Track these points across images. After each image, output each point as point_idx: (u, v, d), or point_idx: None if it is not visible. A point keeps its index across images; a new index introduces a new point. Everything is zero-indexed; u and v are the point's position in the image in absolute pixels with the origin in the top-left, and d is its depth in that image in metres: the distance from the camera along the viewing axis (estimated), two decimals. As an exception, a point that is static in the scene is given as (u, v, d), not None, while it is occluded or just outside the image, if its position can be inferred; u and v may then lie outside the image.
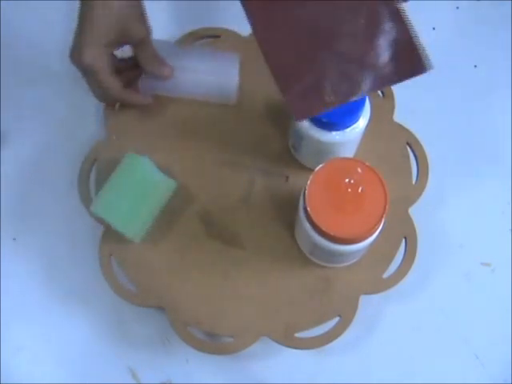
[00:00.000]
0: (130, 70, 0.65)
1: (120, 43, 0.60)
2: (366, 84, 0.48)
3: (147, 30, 0.60)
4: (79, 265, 0.66)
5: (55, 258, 0.67)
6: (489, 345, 0.64)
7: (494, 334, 0.64)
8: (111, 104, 0.67)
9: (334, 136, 0.58)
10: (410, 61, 0.48)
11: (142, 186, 0.61)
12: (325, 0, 0.48)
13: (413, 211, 0.65)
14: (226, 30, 0.72)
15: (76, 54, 0.57)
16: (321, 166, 0.55)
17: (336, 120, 0.56)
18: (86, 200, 0.65)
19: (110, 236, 0.63)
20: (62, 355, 0.64)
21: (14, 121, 0.72)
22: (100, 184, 0.65)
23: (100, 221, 0.63)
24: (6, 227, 0.68)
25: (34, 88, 0.73)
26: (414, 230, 0.64)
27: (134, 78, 0.65)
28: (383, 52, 0.48)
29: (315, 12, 0.48)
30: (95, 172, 0.67)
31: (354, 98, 0.49)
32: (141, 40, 0.60)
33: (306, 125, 0.58)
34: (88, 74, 0.59)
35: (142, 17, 0.59)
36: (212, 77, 0.66)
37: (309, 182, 0.54)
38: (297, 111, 0.50)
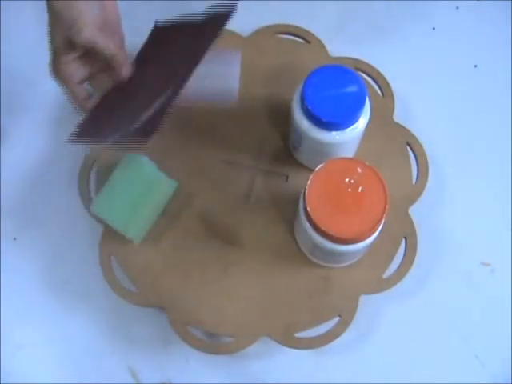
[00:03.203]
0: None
1: (73, 50, 0.58)
2: (111, 139, 0.55)
3: (93, 32, 0.57)
4: (79, 265, 0.66)
5: (55, 258, 0.67)
6: (489, 345, 0.64)
7: (493, 334, 0.64)
8: (81, 111, 0.64)
9: (334, 136, 0.58)
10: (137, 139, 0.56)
11: (142, 186, 0.61)
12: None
13: (413, 211, 0.65)
14: (226, 30, 0.72)
15: (49, 66, 0.59)
16: (321, 165, 0.55)
17: (336, 120, 0.56)
18: (86, 200, 0.65)
19: (110, 236, 0.63)
20: (62, 355, 0.64)
21: (14, 121, 0.72)
22: (100, 184, 0.65)
23: (100, 221, 0.63)
24: (6, 227, 0.68)
25: (34, 88, 0.73)
26: (414, 230, 0.64)
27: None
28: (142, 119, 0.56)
29: (140, 76, 0.60)
30: (95, 172, 0.67)
31: (104, 144, 0.56)
32: (85, 45, 0.57)
33: (306, 125, 0.58)
34: (60, 85, 0.60)
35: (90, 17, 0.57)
36: (212, 81, 0.66)
37: (309, 182, 0.54)
38: (78, 133, 0.59)
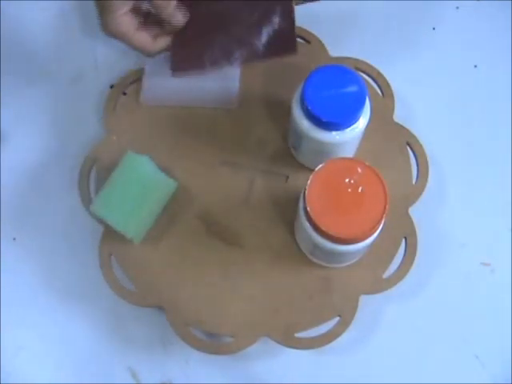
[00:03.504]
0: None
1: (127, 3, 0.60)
2: (238, 56, 0.63)
3: None
4: (79, 265, 0.66)
5: (55, 258, 0.67)
6: (489, 345, 0.64)
7: (493, 334, 0.64)
8: (153, 56, 0.66)
9: (334, 136, 0.58)
10: (283, 45, 0.62)
11: (142, 186, 0.61)
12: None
13: (413, 211, 0.65)
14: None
15: (101, 26, 0.61)
16: (321, 165, 0.55)
17: (336, 120, 0.56)
18: (86, 200, 0.65)
19: (110, 236, 0.63)
20: (62, 355, 0.64)
21: (14, 121, 0.72)
22: (100, 184, 0.65)
23: (100, 221, 0.63)
24: (6, 227, 0.68)
25: (34, 88, 0.73)
26: (414, 230, 0.64)
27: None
28: (264, 36, 0.62)
29: (222, 5, 0.63)
30: (95, 172, 0.67)
31: (224, 66, 0.63)
32: None
33: (306, 125, 0.58)
34: (118, 39, 0.62)
35: None
36: (212, 82, 0.67)
37: (309, 182, 0.54)
38: (177, 66, 0.65)
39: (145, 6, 0.62)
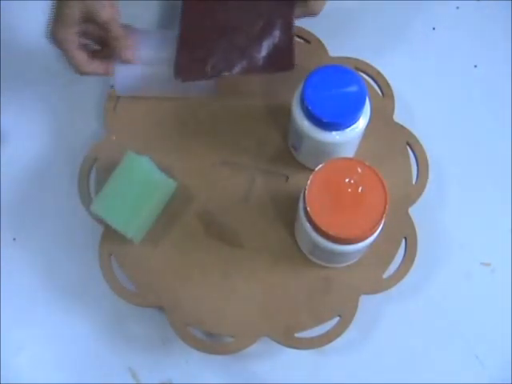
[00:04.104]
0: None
1: (86, 23, 0.62)
2: (239, 67, 0.63)
3: (112, 14, 0.61)
4: (79, 265, 0.66)
5: (55, 258, 0.67)
6: (489, 345, 0.64)
7: (493, 334, 0.64)
8: (82, 75, 0.67)
9: (334, 136, 0.58)
10: (281, 61, 0.63)
11: (142, 186, 0.61)
12: (239, 0, 0.65)
13: (413, 211, 0.65)
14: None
15: (47, 31, 0.62)
16: (321, 166, 0.55)
17: (336, 120, 0.56)
18: (86, 200, 0.65)
19: (110, 236, 0.63)
20: (62, 355, 0.64)
21: (14, 121, 0.72)
22: (100, 184, 0.65)
23: (100, 221, 0.63)
24: (6, 227, 0.68)
25: (34, 88, 0.73)
26: (414, 230, 0.64)
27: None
28: (264, 49, 0.63)
29: (228, 12, 0.65)
30: (95, 172, 0.67)
31: (225, 74, 0.64)
32: (104, 22, 0.61)
33: (306, 125, 0.58)
34: (59, 49, 0.63)
35: (108, 1, 0.61)
36: None
37: (309, 182, 0.54)
38: (180, 71, 0.65)
39: (96, 31, 0.63)
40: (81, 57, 0.63)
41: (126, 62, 0.65)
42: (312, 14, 0.62)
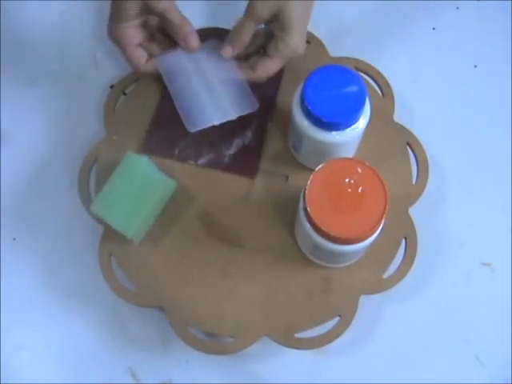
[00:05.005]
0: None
1: (144, 15, 0.62)
2: (206, 159, 0.66)
3: (170, 2, 0.61)
4: (79, 265, 0.66)
5: (55, 258, 0.67)
6: (489, 345, 0.64)
7: (493, 334, 0.64)
8: (139, 74, 0.68)
9: (334, 136, 0.58)
10: (246, 166, 0.66)
11: (142, 186, 0.61)
12: None
13: (413, 211, 0.65)
14: (225, 30, 0.72)
15: (107, 29, 0.63)
16: (321, 166, 0.55)
17: (336, 120, 0.56)
18: (86, 200, 0.65)
19: (110, 236, 0.63)
20: (62, 355, 0.64)
21: (14, 121, 0.72)
22: (100, 184, 0.65)
23: (100, 221, 0.63)
24: (6, 227, 0.68)
25: (34, 88, 0.73)
26: (414, 230, 0.64)
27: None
28: (234, 147, 0.66)
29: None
30: (95, 172, 0.67)
31: (191, 163, 0.66)
32: (164, 10, 0.61)
33: (305, 125, 0.58)
34: (117, 47, 0.64)
35: None
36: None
37: (309, 182, 0.54)
38: (148, 146, 0.66)
39: (155, 22, 0.64)
40: (139, 55, 0.63)
41: (190, 49, 0.64)
42: (295, 54, 0.62)
